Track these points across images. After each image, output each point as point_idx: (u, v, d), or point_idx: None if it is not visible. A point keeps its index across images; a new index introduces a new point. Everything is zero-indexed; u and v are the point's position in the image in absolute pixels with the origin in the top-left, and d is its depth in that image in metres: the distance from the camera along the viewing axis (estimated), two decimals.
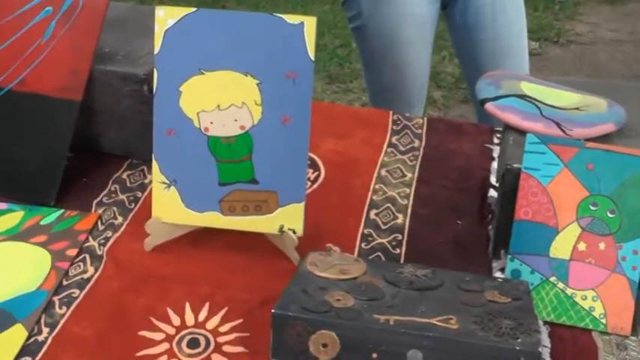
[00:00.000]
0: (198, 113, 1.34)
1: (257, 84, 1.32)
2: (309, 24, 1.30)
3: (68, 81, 1.56)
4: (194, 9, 1.33)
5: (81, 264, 1.37)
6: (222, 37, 1.32)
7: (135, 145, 1.62)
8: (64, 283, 1.33)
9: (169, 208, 1.37)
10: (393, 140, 1.73)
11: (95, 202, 1.52)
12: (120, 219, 1.47)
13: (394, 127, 1.78)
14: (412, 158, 1.67)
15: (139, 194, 1.54)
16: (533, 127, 1.36)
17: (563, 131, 1.36)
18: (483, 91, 1.46)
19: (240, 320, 1.25)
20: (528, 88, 1.46)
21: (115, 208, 1.50)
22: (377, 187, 1.58)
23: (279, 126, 1.33)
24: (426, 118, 1.81)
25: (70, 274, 1.35)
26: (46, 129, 1.55)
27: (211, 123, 1.34)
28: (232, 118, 1.33)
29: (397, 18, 2.12)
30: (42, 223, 1.47)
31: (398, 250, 1.42)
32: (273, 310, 1.11)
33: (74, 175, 1.55)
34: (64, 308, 1.28)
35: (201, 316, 1.27)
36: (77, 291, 1.31)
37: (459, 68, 2.78)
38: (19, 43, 1.61)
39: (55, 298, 1.30)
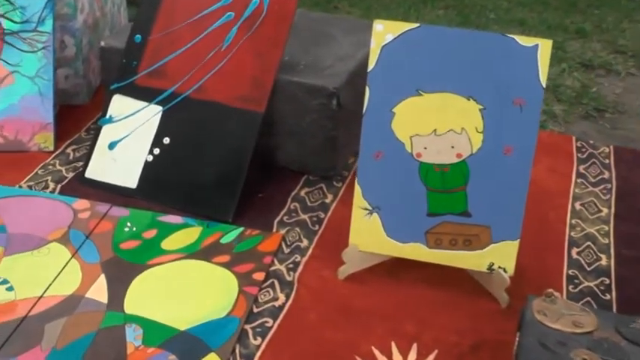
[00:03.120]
0: (411, 137, 1.24)
1: (480, 109, 1.21)
2: (544, 47, 1.19)
3: (250, 91, 1.47)
4: (416, 24, 1.22)
5: (270, 290, 1.27)
6: (444, 56, 1.21)
7: (313, 161, 1.52)
8: (255, 310, 1.24)
9: (369, 236, 1.27)
10: (581, 170, 1.61)
11: (276, 221, 1.42)
12: (305, 242, 1.37)
13: (579, 155, 1.66)
14: (605, 191, 1.55)
15: (322, 215, 1.44)
16: None
17: None
18: None
19: None
20: None
21: (297, 229, 1.40)
22: (573, 222, 1.46)
23: (500, 156, 1.21)
24: (612, 147, 1.69)
25: (260, 300, 1.25)
26: (225, 140, 1.46)
27: (425, 148, 1.23)
28: (449, 144, 1.22)
29: None
30: (222, 241, 1.38)
31: (608, 296, 1.30)
32: None
33: (248, 189, 1.45)
34: (259, 339, 1.19)
35: (411, 359, 1.17)
36: (270, 320, 1.22)
37: (580, 81, 2.67)
38: (198, 48, 1.52)
39: (248, 327, 1.21)
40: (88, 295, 1.27)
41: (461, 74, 1.21)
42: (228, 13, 1.51)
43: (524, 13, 3.30)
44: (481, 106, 1.20)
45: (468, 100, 1.21)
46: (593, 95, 2.35)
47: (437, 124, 1.22)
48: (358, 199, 1.26)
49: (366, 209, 1.26)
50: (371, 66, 1.23)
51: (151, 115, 1.51)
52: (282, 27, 1.47)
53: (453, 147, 1.22)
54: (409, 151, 1.24)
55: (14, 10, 1.65)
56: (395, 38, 1.22)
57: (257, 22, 1.49)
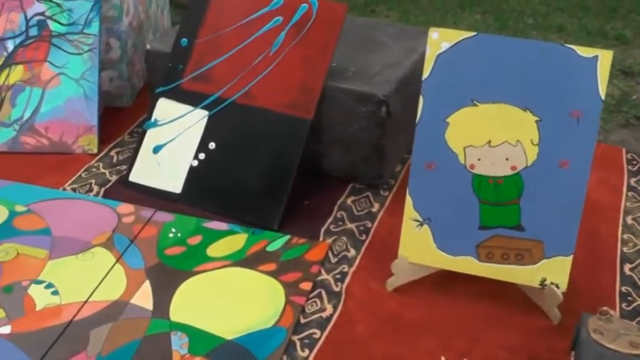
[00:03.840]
0: (465, 148, 1.21)
1: (536, 121, 1.18)
2: (604, 58, 1.16)
3: (298, 97, 1.45)
4: (473, 33, 1.20)
5: (317, 300, 1.25)
6: (501, 65, 1.19)
7: (360, 169, 1.50)
8: (302, 320, 1.22)
9: (419, 248, 1.25)
10: (632, 182, 1.58)
11: (323, 229, 1.40)
12: (352, 251, 1.35)
13: (630, 168, 1.62)
14: None
15: (369, 224, 1.42)
16: None
17: None
18: None
19: None
20: None
21: (344, 238, 1.38)
22: (625, 237, 1.43)
23: (556, 169, 1.19)
24: None
25: (307, 310, 1.23)
26: (272, 147, 1.44)
27: (479, 160, 1.21)
28: (504, 156, 1.20)
29: None
30: (268, 249, 1.36)
31: None
32: None
33: (293, 196, 1.43)
34: (307, 351, 1.17)
35: None
36: (318, 332, 1.20)
37: (619, 89, 2.62)
38: (245, 53, 1.50)
39: (295, 338, 1.19)
40: (133, 301, 1.26)
41: (517, 85, 1.18)
42: (277, 18, 1.49)
43: (564, 18, 3.25)
44: (537, 118, 1.18)
45: (524, 111, 1.18)
46: (633, 103, 2.30)
47: (491, 135, 1.20)
48: (409, 210, 1.24)
49: (417, 220, 1.24)
50: (425, 74, 1.21)
51: (196, 119, 1.50)
52: (331, 33, 1.45)
53: (507, 159, 1.20)
54: (462, 162, 1.21)
55: (61, 13, 1.65)
56: (451, 47, 1.20)
57: (306, 28, 1.47)
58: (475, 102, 1.20)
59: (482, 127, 1.20)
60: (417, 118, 1.23)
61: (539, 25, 3.28)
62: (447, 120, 1.21)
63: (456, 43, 1.20)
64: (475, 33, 1.20)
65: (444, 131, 1.22)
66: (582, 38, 2.93)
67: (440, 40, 1.21)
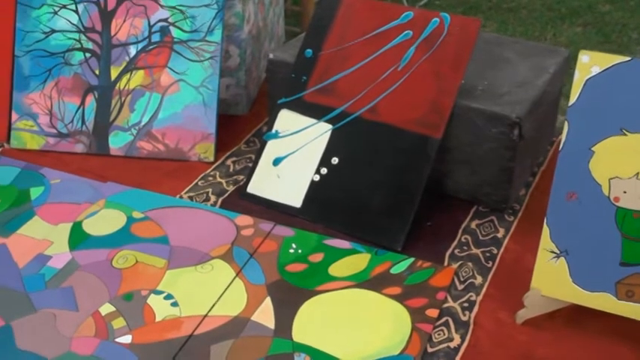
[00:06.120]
0: (610, 179, 1.15)
1: None
2: None
3: (427, 115, 1.41)
4: (627, 57, 1.13)
5: (444, 329, 1.21)
6: None
7: (485, 192, 1.45)
8: (429, 350, 1.17)
9: (553, 281, 1.19)
10: None
11: (447, 253, 1.35)
12: (479, 279, 1.30)
13: None
14: None
15: (494, 250, 1.37)
16: None
17: None
18: None
19: None
20: None
21: (470, 264, 1.33)
22: None
23: None
24: None
25: (434, 339, 1.19)
26: (398, 165, 1.41)
27: (624, 192, 1.15)
28: None
29: None
30: (392, 271, 1.32)
31: None
32: None
33: (416, 217, 1.39)
34: None
35: None
36: None
37: None
38: (373, 66, 1.47)
39: None
40: (254, 318, 1.24)
41: None
42: (406, 32, 1.46)
43: None
44: None
45: None
46: None
47: None
48: (545, 241, 1.19)
49: (553, 252, 1.18)
50: (572, 100, 1.16)
51: (319, 133, 1.47)
52: (463, 49, 1.41)
53: None
54: (606, 194, 1.15)
55: (184, 20, 1.65)
56: (602, 71, 1.14)
57: (437, 43, 1.42)
58: (625, 131, 1.14)
59: (630, 158, 1.14)
60: (561, 145, 1.17)
61: None
62: (593, 149, 1.16)
63: (607, 68, 1.15)
64: (630, 57, 1.14)
65: (588, 160, 1.16)
66: None
67: (590, 63, 1.15)
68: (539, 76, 1.49)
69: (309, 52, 1.53)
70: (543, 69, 1.52)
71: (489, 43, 1.63)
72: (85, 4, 1.67)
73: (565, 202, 1.17)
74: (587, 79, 1.16)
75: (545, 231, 1.19)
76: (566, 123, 1.16)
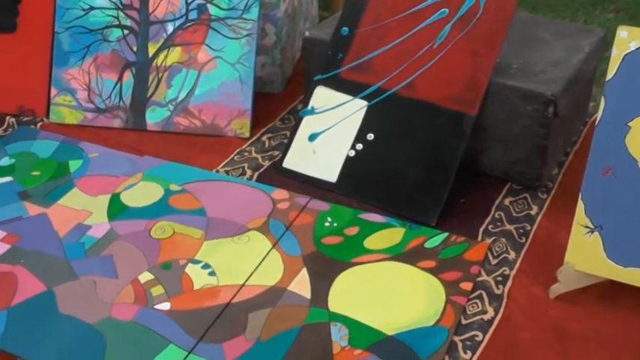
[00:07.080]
0: None
1: None
2: None
3: (463, 92, 1.42)
4: None
5: (478, 302, 1.22)
6: None
7: (519, 170, 1.46)
8: (463, 321, 1.19)
9: (587, 256, 1.20)
10: None
11: (481, 229, 1.37)
12: (512, 254, 1.32)
13: None
14: None
15: (528, 227, 1.38)
16: None
17: None
18: None
19: None
20: None
21: (504, 240, 1.34)
22: None
23: None
24: None
25: (468, 312, 1.20)
26: (433, 141, 1.42)
27: None
28: None
29: None
30: (426, 245, 1.34)
31: None
32: None
33: (450, 193, 1.40)
34: (469, 353, 1.14)
35: None
36: (480, 334, 1.17)
37: None
38: (408, 44, 1.48)
39: (457, 339, 1.16)
40: (290, 288, 1.26)
41: None
42: (442, 10, 1.47)
43: None
44: None
45: None
46: None
47: None
48: (580, 216, 1.20)
49: (588, 227, 1.19)
50: (610, 75, 1.17)
51: (355, 109, 1.49)
52: (499, 27, 1.42)
53: None
54: None
55: None
56: None
57: (472, 21, 1.44)
58: None
59: None
60: (597, 120, 1.18)
61: None
62: (629, 124, 1.16)
63: None
64: None
65: (624, 135, 1.17)
66: None
67: (629, 39, 1.16)
68: (574, 55, 1.50)
69: (345, 30, 1.55)
70: (578, 48, 1.52)
71: (525, 23, 1.63)
72: None
73: (600, 177, 1.18)
74: (625, 55, 1.16)
75: (580, 206, 1.20)
76: (602, 98, 1.17)
